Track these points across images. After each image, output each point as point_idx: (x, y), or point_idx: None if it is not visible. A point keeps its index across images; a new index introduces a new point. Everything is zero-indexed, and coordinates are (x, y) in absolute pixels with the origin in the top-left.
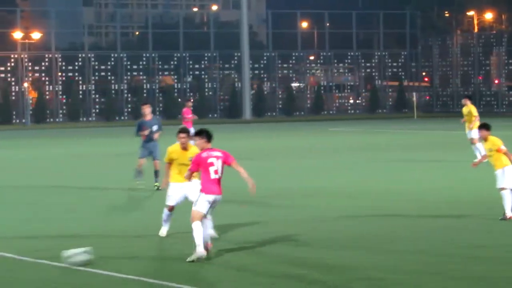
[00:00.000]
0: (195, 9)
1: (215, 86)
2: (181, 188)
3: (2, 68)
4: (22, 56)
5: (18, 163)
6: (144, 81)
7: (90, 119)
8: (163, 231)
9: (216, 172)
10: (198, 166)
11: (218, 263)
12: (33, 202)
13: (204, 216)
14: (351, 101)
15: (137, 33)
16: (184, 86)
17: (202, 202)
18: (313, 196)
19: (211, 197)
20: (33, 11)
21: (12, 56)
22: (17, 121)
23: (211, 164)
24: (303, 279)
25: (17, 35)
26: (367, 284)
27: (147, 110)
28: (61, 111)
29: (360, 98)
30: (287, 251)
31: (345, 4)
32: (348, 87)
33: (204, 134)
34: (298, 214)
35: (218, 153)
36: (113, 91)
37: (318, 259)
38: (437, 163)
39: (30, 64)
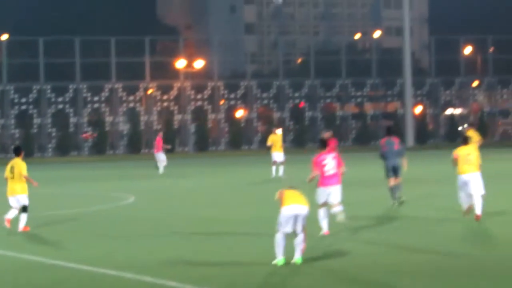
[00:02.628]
0: (357, 36)
1: (377, 113)
2: None
3: (166, 97)
4: (185, 84)
5: (186, 192)
6: (307, 108)
7: (252, 147)
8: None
9: None
10: None
11: None
12: (204, 233)
13: None
14: None
15: (299, 60)
16: (347, 114)
17: None
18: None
19: None
20: (195, 39)
21: (175, 85)
22: (180, 149)
23: None
24: None
25: (180, 63)
26: None
27: None
28: (223, 139)
29: None
30: None
31: (509, 28)
32: None
33: None
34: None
35: None
36: (277, 118)
37: None
38: None
39: (192, 92)
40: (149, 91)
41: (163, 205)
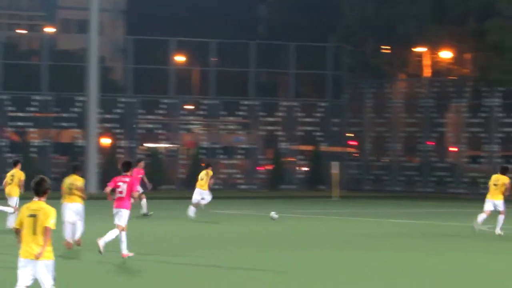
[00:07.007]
0: (21, 31)
1: (45, 144)
2: None
3: None
4: None
5: None
6: None
7: None
8: None
9: None
10: None
11: None
12: None
13: None
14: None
15: None
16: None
17: None
18: None
19: None
20: None
21: None
22: None
23: None
24: None
25: None
26: None
27: None
28: None
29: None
30: None
31: (240, 31)
32: (243, 151)
33: None
34: None
35: None
36: None
37: None
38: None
39: None
40: None
41: None
